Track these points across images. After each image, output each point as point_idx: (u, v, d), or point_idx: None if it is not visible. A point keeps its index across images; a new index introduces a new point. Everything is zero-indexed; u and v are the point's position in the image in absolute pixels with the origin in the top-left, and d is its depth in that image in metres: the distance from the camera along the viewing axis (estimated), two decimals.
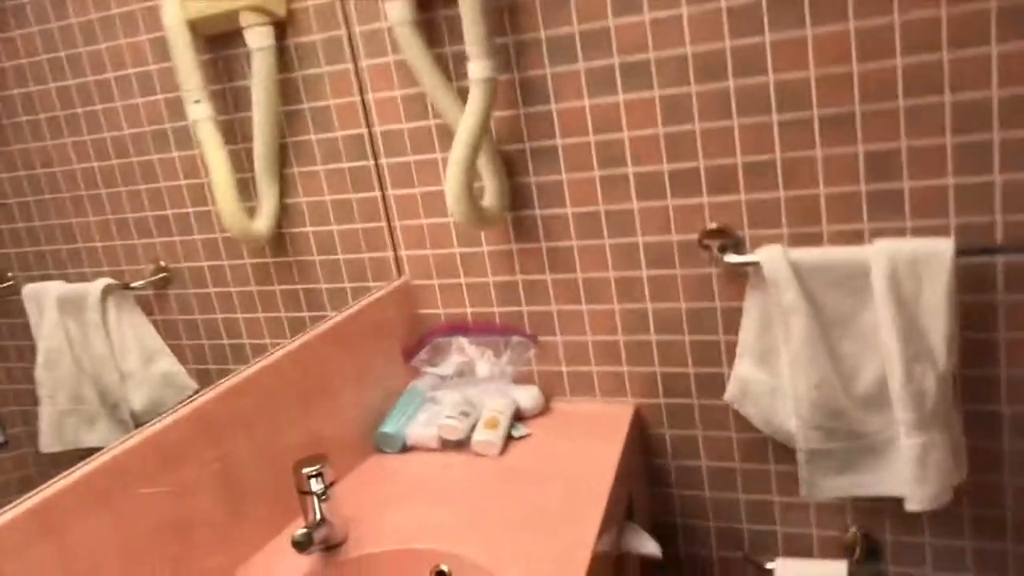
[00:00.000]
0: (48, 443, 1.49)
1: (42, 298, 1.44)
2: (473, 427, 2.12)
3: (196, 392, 1.66)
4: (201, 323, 1.66)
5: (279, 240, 1.97)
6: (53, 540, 1.36)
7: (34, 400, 1.54)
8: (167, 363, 1.69)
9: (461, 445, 2.11)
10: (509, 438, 2.12)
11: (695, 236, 2.04)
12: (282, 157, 1.96)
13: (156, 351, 1.65)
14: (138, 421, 1.56)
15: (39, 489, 1.38)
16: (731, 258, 1.98)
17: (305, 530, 1.56)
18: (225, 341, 1.74)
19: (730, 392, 2.04)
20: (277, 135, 1.97)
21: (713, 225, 2.01)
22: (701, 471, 2.24)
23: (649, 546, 1.94)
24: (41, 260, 1.47)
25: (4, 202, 1.45)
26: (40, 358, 1.46)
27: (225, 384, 1.65)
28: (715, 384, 2.14)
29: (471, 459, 2.06)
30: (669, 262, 2.08)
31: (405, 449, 2.17)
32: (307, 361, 1.88)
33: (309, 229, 2.10)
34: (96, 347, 1.47)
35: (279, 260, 1.96)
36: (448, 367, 2.27)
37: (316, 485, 1.65)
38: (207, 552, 1.62)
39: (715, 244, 2.01)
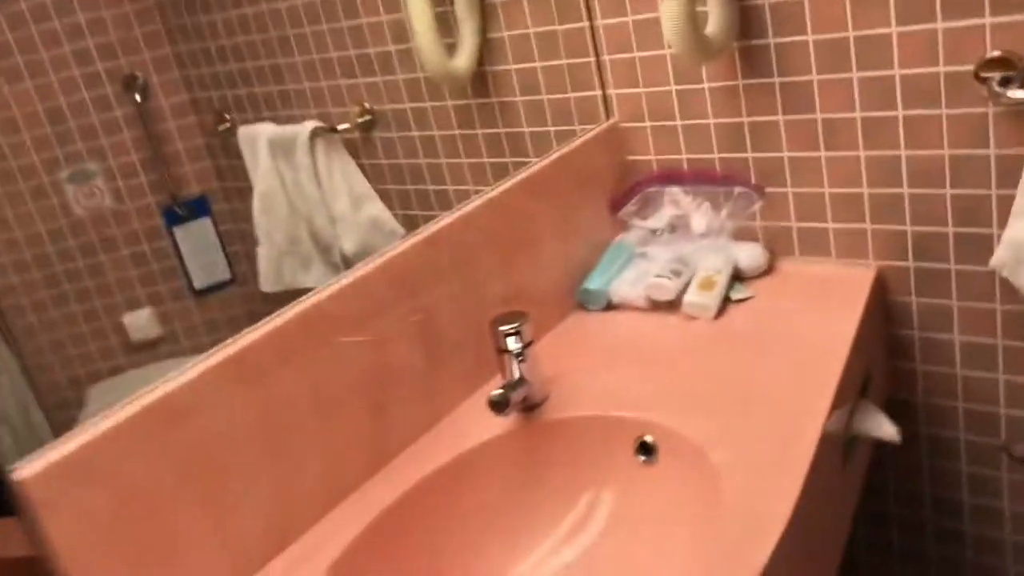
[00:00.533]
0: (267, 283, 1.51)
1: (255, 141, 1.43)
2: (686, 287, 1.92)
3: (403, 237, 1.58)
4: (406, 168, 1.59)
5: (481, 79, 1.81)
6: (253, 386, 1.35)
7: (255, 240, 1.55)
8: (375, 208, 1.65)
9: (672, 306, 1.92)
10: (727, 300, 1.91)
11: (970, 67, 1.66)
12: None
13: (364, 195, 1.62)
14: (349, 265, 1.54)
15: (242, 333, 1.37)
16: (1016, 93, 1.59)
17: (501, 390, 1.47)
18: (429, 187, 1.65)
19: (998, 257, 1.70)
20: None
21: (995, 53, 1.62)
22: (953, 346, 1.94)
23: (886, 429, 1.70)
24: (254, 102, 1.46)
25: (219, 43, 1.42)
26: (256, 202, 1.45)
27: (422, 234, 1.55)
28: (980, 247, 1.80)
29: (683, 322, 1.88)
30: (933, 100, 1.72)
31: (610, 307, 2.02)
32: (506, 211, 1.74)
33: (512, 67, 1.92)
34: (307, 190, 1.46)
35: (481, 101, 1.81)
36: (659, 220, 2.06)
37: (514, 344, 1.54)
38: (405, 407, 1.58)
39: (995, 77, 1.62)
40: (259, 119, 1.51)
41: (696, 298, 1.89)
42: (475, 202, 1.66)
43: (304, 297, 1.42)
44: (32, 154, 1.49)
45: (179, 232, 1.67)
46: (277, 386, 1.37)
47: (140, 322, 1.67)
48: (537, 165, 1.87)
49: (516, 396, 1.51)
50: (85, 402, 1.57)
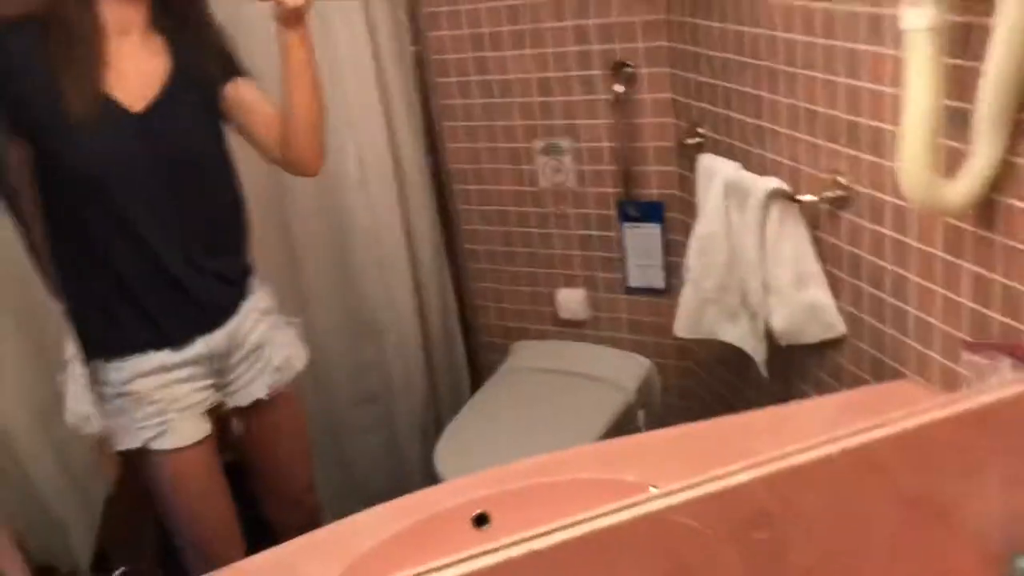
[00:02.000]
0: (683, 327, 1.40)
1: (714, 174, 1.27)
2: None
3: (841, 337, 1.18)
4: (864, 264, 1.15)
5: (988, 206, 1.04)
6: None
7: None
8: (819, 292, 1.27)
9: None
10: None
11: None
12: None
13: (810, 275, 1.25)
14: (773, 339, 1.27)
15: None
16: None
17: None
18: (886, 296, 1.16)
19: None
20: None
21: None
22: None
23: None
24: (728, 127, 1.29)
25: (713, 53, 1.26)
26: (694, 242, 1.32)
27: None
28: None
29: None
30: None
31: None
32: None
33: None
34: (749, 247, 1.24)
35: (982, 233, 1.08)
36: None
37: None
38: None
39: None
40: (728, 147, 1.29)
41: None
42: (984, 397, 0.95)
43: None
44: (516, 117, 1.57)
45: (628, 229, 1.56)
46: None
47: (572, 301, 1.68)
48: None
49: None
50: (509, 353, 1.73)
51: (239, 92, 1.18)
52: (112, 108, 1.08)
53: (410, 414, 1.71)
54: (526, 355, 1.70)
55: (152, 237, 1.14)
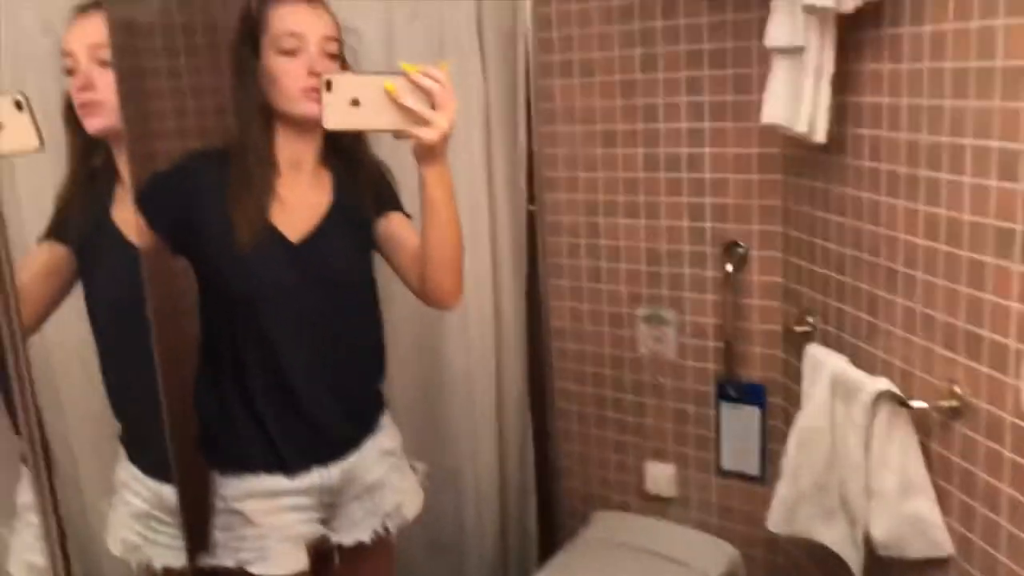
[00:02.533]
0: (777, 523, 1.34)
1: (820, 368, 1.24)
2: None
3: (948, 557, 1.10)
4: (978, 482, 1.07)
5: None
6: None
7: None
8: (925, 505, 1.19)
9: None
10: None
11: None
12: None
13: (917, 486, 1.18)
14: (872, 549, 1.20)
15: None
16: None
17: None
18: (1002, 521, 1.06)
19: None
20: None
21: None
22: None
23: None
24: (840, 320, 1.26)
25: (827, 245, 1.26)
26: (794, 435, 1.27)
27: None
28: None
29: None
30: None
31: None
32: None
33: None
34: (853, 448, 1.19)
35: None
36: None
37: None
38: None
39: None
40: (838, 340, 1.25)
41: None
42: None
43: None
44: (622, 283, 1.58)
45: (726, 409, 1.51)
46: None
47: (660, 476, 1.62)
48: None
49: None
50: (589, 521, 1.67)
51: (390, 227, 1.25)
52: (273, 237, 1.17)
53: (480, 567, 1.66)
54: (607, 526, 1.64)
55: (289, 361, 1.19)
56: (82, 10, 1.12)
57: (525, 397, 1.72)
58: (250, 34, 1.18)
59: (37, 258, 1.11)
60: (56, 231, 1.12)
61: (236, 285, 1.16)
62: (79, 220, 1.13)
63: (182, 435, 1.23)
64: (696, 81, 1.44)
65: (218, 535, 1.20)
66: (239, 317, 1.17)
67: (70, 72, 1.11)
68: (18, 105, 0.99)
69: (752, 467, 1.51)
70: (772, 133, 1.31)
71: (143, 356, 1.17)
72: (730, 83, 1.41)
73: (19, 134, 0.99)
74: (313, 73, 1.14)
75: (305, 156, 1.21)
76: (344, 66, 1.21)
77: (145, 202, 1.13)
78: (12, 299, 0.92)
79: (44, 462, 0.97)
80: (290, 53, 1.15)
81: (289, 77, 1.15)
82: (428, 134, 1.06)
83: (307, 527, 1.21)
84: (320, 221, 1.21)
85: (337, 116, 1.08)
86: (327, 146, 1.24)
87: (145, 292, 1.14)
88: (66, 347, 1.16)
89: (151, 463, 1.20)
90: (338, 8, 1.22)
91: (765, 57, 1.26)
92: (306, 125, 1.18)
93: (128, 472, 1.20)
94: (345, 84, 1.07)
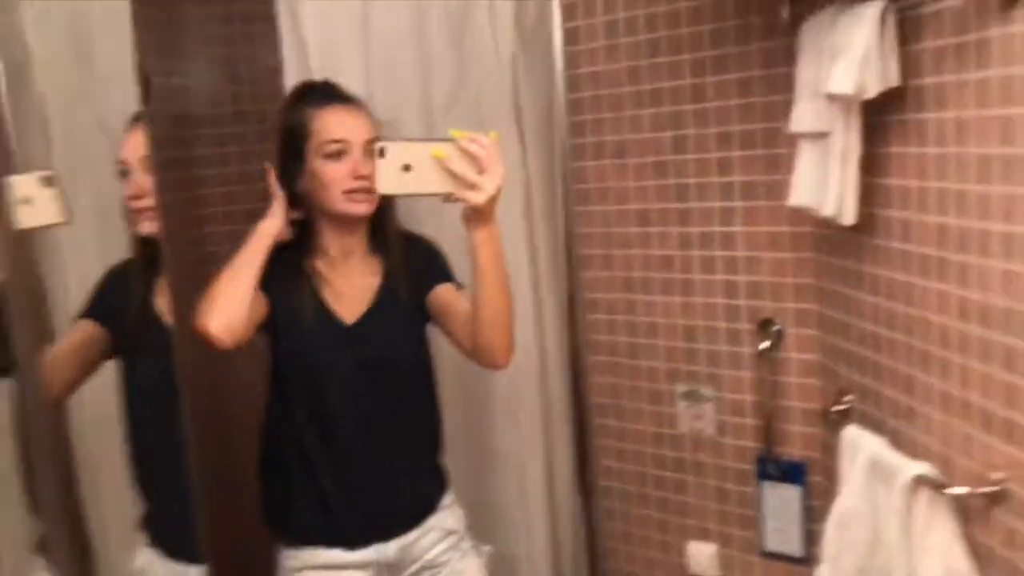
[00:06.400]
0: None
1: (858, 449, 1.23)
2: None
3: None
4: None
5: None
6: None
7: None
8: None
9: None
10: None
11: None
12: None
13: (960, 574, 1.15)
14: None
15: None
16: None
17: None
18: None
19: None
20: None
21: None
22: None
23: None
24: (878, 400, 1.25)
25: (864, 325, 1.26)
26: (834, 515, 1.26)
27: None
28: None
29: None
30: None
31: None
32: None
33: None
34: (893, 534, 1.16)
35: None
36: None
37: None
38: None
39: None
40: (877, 421, 1.22)
41: None
42: None
43: None
44: (660, 360, 1.58)
45: (767, 488, 1.49)
46: None
47: (702, 556, 1.59)
48: None
49: None
50: None
51: (439, 298, 1.32)
52: (330, 320, 1.28)
53: None
54: None
55: (348, 436, 1.27)
56: (136, 119, 1.20)
57: (575, 478, 1.72)
58: (293, 140, 1.25)
59: (72, 335, 1.20)
60: (93, 310, 1.21)
61: (299, 363, 1.26)
62: (121, 304, 1.20)
63: (212, 515, 1.28)
64: (726, 161, 1.46)
65: None
66: (303, 394, 1.27)
67: (123, 175, 1.18)
68: (47, 181, 1.07)
69: (794, 548, 1.48)
70: (803, 212, 1.32)
71: (175, 436, 1.23)
72: (760, 163, 1.43)
73: (47, 208, 1.08)
74: (359, 177, 1.21)
75: (355, 246, 1.30)
76: None
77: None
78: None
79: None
80: (335, 157, 1.22)
81: (336, 182, 1.22)
82: (476, 197, 1.11)
83: None
84: (372, 303, 1.29)
85: (390, 181, 1.13)
86: (375, 233, 1.32)
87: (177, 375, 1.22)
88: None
89: (176, 545, 1.23)
90: (375, 105, 1.28)
91: (794, 137, 1.27)
92: (355, 219, 1.27)
93: (144, 558, 1.25)
94: (397, 151, 1.12)
